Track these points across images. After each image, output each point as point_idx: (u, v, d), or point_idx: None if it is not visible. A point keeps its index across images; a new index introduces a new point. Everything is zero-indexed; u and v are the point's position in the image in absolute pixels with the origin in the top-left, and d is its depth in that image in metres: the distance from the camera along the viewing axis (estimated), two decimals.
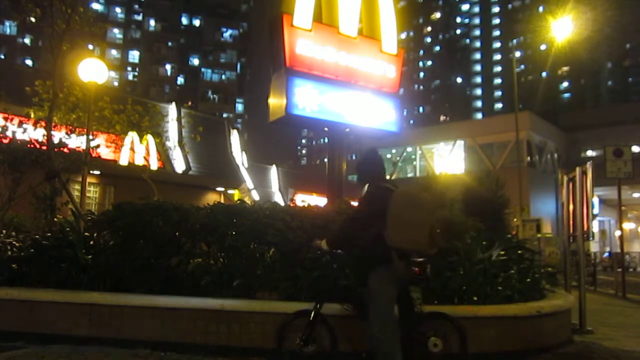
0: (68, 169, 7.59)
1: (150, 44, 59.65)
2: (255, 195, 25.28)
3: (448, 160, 31.43)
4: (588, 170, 6.38)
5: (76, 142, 8.76)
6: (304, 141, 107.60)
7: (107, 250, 5.38)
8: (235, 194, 23.70)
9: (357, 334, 4.04)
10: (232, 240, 4.99)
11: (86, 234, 5.70)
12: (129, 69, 59.75)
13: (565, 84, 77.55)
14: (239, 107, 66.66)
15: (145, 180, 13.07)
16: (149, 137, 16.30)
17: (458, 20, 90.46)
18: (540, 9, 69.95)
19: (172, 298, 4.72)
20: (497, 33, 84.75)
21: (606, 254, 26.46)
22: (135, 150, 17.56)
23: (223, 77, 62.50)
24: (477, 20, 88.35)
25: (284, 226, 4.85)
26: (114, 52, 58.38)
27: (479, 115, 79.61)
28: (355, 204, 5.08)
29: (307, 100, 6.70)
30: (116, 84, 54.89)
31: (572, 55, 56.17)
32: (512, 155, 26.98)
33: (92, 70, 9.03)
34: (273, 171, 29.24)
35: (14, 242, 5.88)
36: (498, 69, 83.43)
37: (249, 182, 25.32)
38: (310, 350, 3.82)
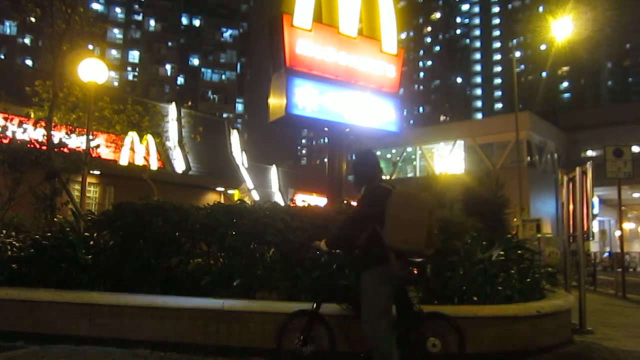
0: (68, 169, 7.59)
1: (150, 44, 59.65)
2: (255, 195, 25.28)
3: (448, 160, 31.43)
4: (588, 170, 6.38)
5: (76, 142, 8.76)
6: (304, 141, 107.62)
7: (107, 250, 5.38)
8: (235, 194, 23.70)
9: (356, 333, 4.03)
10: (232, 240, 5.00)
11: (86, 234, 5.70)
12: (129, 69, 59.75)
13: (565, 84, 77.56)
14: (239, 107, 66.66)
15: (145, 180, 13.07)
16: (149, 137, 16.31)
17: (458, 20, 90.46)
18: (540, 9, 69.96)
19: (172, 298, 4.71)
20: (497, 33, 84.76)
21: (606, 254, 26.46)
22: (135, 150, 17.56)
23: (223, 77, 62.50)
24: (477, 20, 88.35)
25: (284, 226, 4.85)
26: (114, 52, 58.39)
27: (479, 115, 79.61)
28: (355, 204, 5.09)
29: (307, 100, 6.70)
30: (116, 84, 54.89)
31: (572, 55, 56.19)
32: (512, 155, 26.98)
33: (92, 70, 9.03)
34: (273, 171, 29.24)
35: (14, 242, 5.88)
36: (498, 69, 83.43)
37: (249, 182, 25.32)
38: (309, 350, 3.83)
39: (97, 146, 9.09)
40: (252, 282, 4.76)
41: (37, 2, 8.42)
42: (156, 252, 5.26)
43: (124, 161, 17.80)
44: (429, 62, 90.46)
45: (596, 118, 34.43)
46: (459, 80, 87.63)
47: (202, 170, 21.66)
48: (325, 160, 7.72)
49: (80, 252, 5.25)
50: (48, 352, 4.36)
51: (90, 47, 13.52)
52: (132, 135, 16.64)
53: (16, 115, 8.49)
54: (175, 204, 5.48)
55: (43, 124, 8.39)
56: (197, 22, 63.41)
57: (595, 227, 19.15)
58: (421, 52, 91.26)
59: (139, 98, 20.08)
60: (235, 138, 25.04)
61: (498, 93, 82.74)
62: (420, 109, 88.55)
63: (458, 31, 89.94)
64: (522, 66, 76.08)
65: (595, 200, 15.13)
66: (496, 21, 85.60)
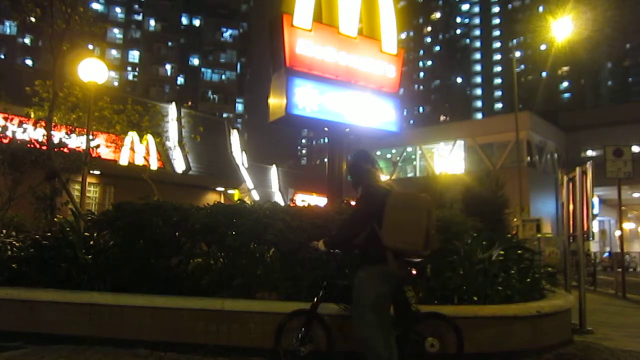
0: (68, 169, 7.59)
1: (150, 44, 59.65)
2: (255, 195, 25.28)
3: (448, 160, 31.42)
4: (588, 170, 6.38)
5: (76, 142, 8.77)
6: (304, 141, 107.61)
7: (107, 250, 5.37)
8: (235, 194, 23.71)
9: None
10: (232, 240, 4.99)
11: (86, 234, 5.70)
12: (129, 69, 59.76)
13: (565, 84, 77.58)
14: (239, 107, 66.68)
15: (145, 180, 13.08)
16: (149, 137, 16.32)
17: (458, 20, 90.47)
18: (540, 9, 69.99)
19: (172, 298, 4.71)
20: (497, 33, 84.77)
21: (606, 254, 26.47)
22: (135, 150, 17.57)
23: (223, 77, 62.50)
24: (477, 20, 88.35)
25: (284, 226, 4.85)
26: (114, 52, 58.39)
27: (479, 115, 79.61)
28: (354, 204, 5.09)
29: (307, 100, 6.70)
30: (116, 84, 54.90)
31: (572, 55, 56.20)
32: (512, 155, 26.97)
33: (92, 70, 9.02)
34: (273, 171, 29.24)
35: (14, 242, 5.87)
36: (498, 69, 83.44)
37: (249, 182, 25.32)
38: (307, 349, 3.83)
39: (97, 146, 9.09)
40: (252, 282, 4.76)
41: (37, 2, 8.42)
42: (156, 252, 5.26)
43: (124, 161, 17.81)
44: (429, 62, 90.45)
45: (596, 118, 34.41)
46: (459, 80, 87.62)
47: (202, 170, 21.66)
48: (325, 160, 7.72)
49: (80, 252, 5.25)
50: (48, 352, 4.36)
51: (90, 47, 13.54)
52: (132, 135, 16.64)
53: (16, 115, 8.50)
54: (175, 204, 5.48)
55: (43, 124, 8.39)
56: (197, 22, 63.40)
57: (595, 227, 19.16)
58: (421, 52, 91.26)
59: (139, 98, 20.09)
60: (235, 138, 25.05)
61: (498, 93, 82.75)
62: (420, 109, 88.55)
63: (458, 31, 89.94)
64: (522, 66, 76.09)
65: (595, 200, 15.13)
66: (496, 21, 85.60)
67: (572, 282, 7.33)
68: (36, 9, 8.54)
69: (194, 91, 59.99)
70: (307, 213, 5.19)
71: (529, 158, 28.82)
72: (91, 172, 15.76)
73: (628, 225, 37.26)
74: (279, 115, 6.75)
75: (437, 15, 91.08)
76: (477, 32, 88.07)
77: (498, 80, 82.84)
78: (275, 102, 6.88)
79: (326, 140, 8.12)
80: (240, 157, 25.20)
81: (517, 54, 69.80)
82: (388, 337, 3.42)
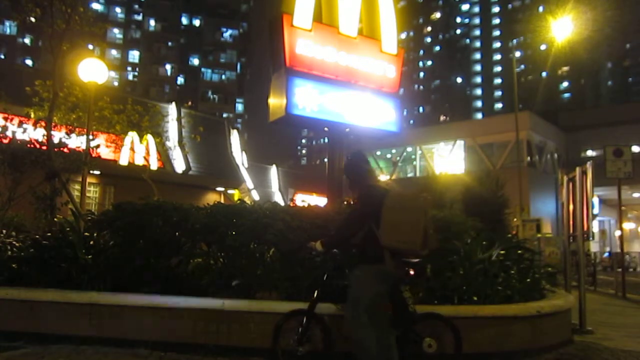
0: (68, 169, 7.58)
1: (150, 44, 59.64)
2: (255, 195, 25.29)
3: (448, 160, 31.43)
4: (588, 170, 6.38)
5: (76, 142, 8.76)
6: (304, 141, 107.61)
7: (107, 250, 5.37)
8: (235, 194, 23.71)
9: None
10: (232, 240, 4.99)
11: (86, 234, 5.69)
12: (129, 69, 59.75)
13: (565, 84, 77.57)
14: (239, 107, 66.67)
15: (145, 180, 13.08)
16: (149, 137, 16.32)
17: (458, 20, 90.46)
18: (540, 9, 69.99)
19: (172, 298, 4.71)
20: (497, 33, 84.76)
21: (606, 254, 26.47)
22: (135, 150, 17.57)
23: (223, 77, 62.49)
24: (477, 20, 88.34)
25: (284, 226, 4.85)
26: (114, 52, 58.38)
27: (479, 115, 79.61)
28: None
29: (307, 100, 6.70)
30: (116, 84, 54.90)
31: (572, 55, 56.21)
32: (512, 155, 26.97)
33: (92, 70, 9.02)
34: (273, 171, 29.24)
35: (14, 242, 5.87)
36: (498, 69, 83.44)
37: (249, 182, 25.32)
38: (305, 349, 3.83)
39: (97, 146, 9.08)
40: (252, 282, 4.76)
41: (37, 2, 8.41)
42: (156, 252, 5.26)
43: (124, 161, 17.81)
44: (429, 62, 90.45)
45: (596, 118, 34.40)
46: (459, 80, 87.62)
47: (202, 170, 21.67)
48: (325, 160, 7.72)
49: (80, 252, 5.25)
50: (48, 352, 4.36)
51: (90, 47, 13.53)
52: (132, 135, 16.65)
53: (16, 115, 8.50)
54: (175, 204, 5.48)
55: (43, 124, 8.39)
56: (197, 22, 63.40)
57: (595, 227, 19.16)
58: (421, 52, 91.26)
59: (139, 98, 20.09)
60: (235, 138, 25.05)
61: (498, 93, 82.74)
62: (420, 109, 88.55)
63: (458, 31, 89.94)
64: (522, 66, 76.08)
65: (595, 200, 15.13)
66: (496, 21, 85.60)
67: (572, 282, 7.32)
68: (36, 9, 8.53)
69: (194, 91, 59.99)
70: (307, 213, 5.20)
71: (529, 158, 28.82)
72: (91, 172, 15.76)
73: (628, 225, 37.27)
74: (279, 115, 6.75)
75: (437, 15, 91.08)
76: (477, 32, 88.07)
77: (498, 80, 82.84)
78: (275, 102, 6.89)
79: (326, 140, 8.12)
80: (240, 157, 25.20)
81: (517, 54, 69.81)
82: (386, 338, 3.43)
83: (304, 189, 28.82)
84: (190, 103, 49.51)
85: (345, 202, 5.60)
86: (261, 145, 55.92)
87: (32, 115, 10.03)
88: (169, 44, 60.85)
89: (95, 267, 5.17)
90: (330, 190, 7.24)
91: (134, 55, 60.06)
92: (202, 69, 62.24)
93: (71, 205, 7.10)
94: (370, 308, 3.41)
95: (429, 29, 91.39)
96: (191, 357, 4.35)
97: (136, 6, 61.03)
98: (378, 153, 35.84)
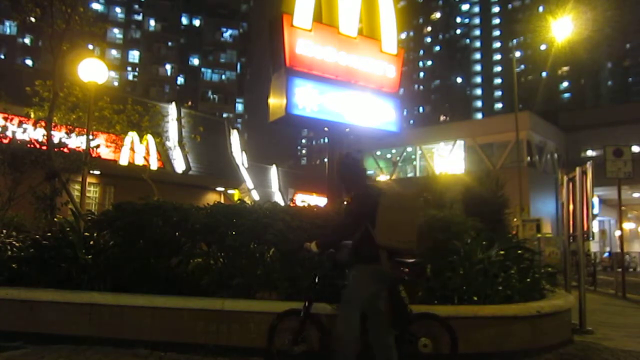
0: (68, 169, 7.59)
1: (150, 44, 59.62)
2: (255, 195, 25.28)
3: (448, 160, 31.42)
4: (588, 170, 6.38)
5: (76, 142, 8.77)
6: (304, 141, 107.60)
7: (107, 250, 5.38)
8: (235, 194, 23.70)
9: None
10: (232, 240, 4.99)
11: (86, 234, 5.70)
12: (129, 69, 59.73)
13: (565, 84, 77.55)
14: (239, 107, 66.64)
15: (145, 180, 13.08)
16: (149, 137, 16.31)
17: (458, 20, 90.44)
18: (540, 9, 69.97)
19: (172, 298, 4.71)
20: (497, 33, 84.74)
21: (606, 254, 26.47)
22: (135, 150, 17.57)
23: (223, 77, 62.48)
24: (477, 20, 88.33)
25: (284, 226, 4.85)
26: (114, 52, 58.36)
27: (479, 115, 79.59)
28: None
29: (307, 100, 6.70)
30: (116, 84, 54.88)
31: (572, 55, 56.19)
32: (512, 155, 26.96)
33: (92, 70, 9.02)
34: (273, 171, 29.24)
35: (14, 242, 5.87)
36: (498, 69, 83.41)
37: (249, 182, 25.32)
38: (300, 349, 3.83)
39: (97, 146, 9.09)
40: (252, 282, 4.76)
41: (37, 2, 8.41)
42: (156, 252, 5.26)
43: (124, 161, 17.80)
44: (429, 62, 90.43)
45: (596, 118, 34.39)
46: (459, 80, 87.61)
47: (202, 170, 21.66)
48: (325, 160, 7.72)
49: (80, 252, 5.25)
50: (48, 352, 4.36)
51: (90, 47, 13.52)
52: (132, 135, 16.64)
53: (16, 115, 8.50)
54: (175, 204, 5.48)
55: (43, 124, 8.39)
56: (197, 22, 63.38)
57: (595, 227, 19.16)
58: (421, 52, 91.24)
59: (139, 98, 20.09)
60: (235, 138, 25.05)
61: (498, 93, 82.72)
62: (420, 109, 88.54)
63: (458, 31, 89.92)
64: (522, 66, 76.06)
65: (595, 200, 15.12)
66: (496, 21, 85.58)
67: (572, 282, 7.33)
68: (36, 9, 8.53)
69: (194, 91, 59.97)
70: (307, 213, 5.20)
71: (529, 158, 28.82)
72: (91, 172, 15.75)
73: (628, 225, 37.26)
74: (279, 115, 6.75)
75: (437, 15, 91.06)
76: (477, 32, 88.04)
77: (498, 80, 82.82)
78: (275, 102, 6.89)
79: (326, 140, 8.12)
80: (240, 157, 25.20)
81: (517, 54, 69.80)
82: (384, 338, 3.43)
83: (304, 189, 28.82)
84: (190, 103, 49.50)
85: (345, 202, 5.59)
86: (261, 145, 55.94)
87: (32, 115, 10.02)
88: (169, 44, 60.83)
89: (95, 267, 5.18)
90: (330, 190, 7.24)
91: (134, 55, 60.05)
92: (202, 69, 62.22)
93: (71, 205, 7.10)
94: (361, 308, 3.44)
95: (429, 29, 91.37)
96: (191, 357, 4.36)
97: (136, 6, 61.01)
98: (378, 153, 35.85)
